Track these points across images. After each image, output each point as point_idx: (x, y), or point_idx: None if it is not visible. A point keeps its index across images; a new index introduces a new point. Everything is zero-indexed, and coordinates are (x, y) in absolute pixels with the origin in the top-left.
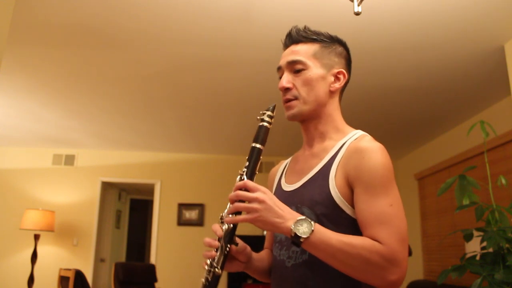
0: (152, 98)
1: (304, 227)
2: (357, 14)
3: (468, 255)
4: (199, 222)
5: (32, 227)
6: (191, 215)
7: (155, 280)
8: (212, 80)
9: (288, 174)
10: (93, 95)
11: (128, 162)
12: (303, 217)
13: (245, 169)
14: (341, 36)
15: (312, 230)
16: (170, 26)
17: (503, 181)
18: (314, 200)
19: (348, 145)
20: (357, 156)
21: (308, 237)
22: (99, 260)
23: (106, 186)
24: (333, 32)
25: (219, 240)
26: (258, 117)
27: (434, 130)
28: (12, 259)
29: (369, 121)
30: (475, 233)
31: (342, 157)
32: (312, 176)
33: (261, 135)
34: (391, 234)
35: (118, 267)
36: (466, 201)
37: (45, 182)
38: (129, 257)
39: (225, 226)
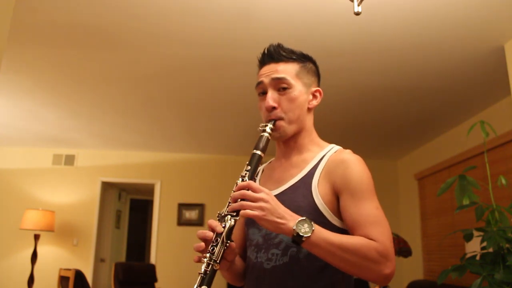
0: (152, 98)
1: (305, 227)
2: (357, 14)
3: (468, 255)
4: (199, 222)
5: (32, 227)
6: (191, 215)
7: (155, 280)
8: (212, 80)
9: (264, 181)
10: (93, 95)
11: (128, 162)
12: (304, 218)
13: (247, 172)
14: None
15: (313, 230)
16: (170, 27)
17: (503, 181)
18: (297, 206)
19: (328, 157)
20: (342, 167)
21: (309, 237)
22: (99, 260)
23: (106, 186)
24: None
25: (216, 235)
26: (260, 128)
27: (434, 130)
28: (12, 259)
29: (369, 121)
30: (475, 233)
31: (323, 168)
32: (294, 184)
33: (262, 144)
34: (382, 232)
35: (118, 267)
36: (466, 201)
37: (45, 182)
38: (129, 257)
39: (229, 222)
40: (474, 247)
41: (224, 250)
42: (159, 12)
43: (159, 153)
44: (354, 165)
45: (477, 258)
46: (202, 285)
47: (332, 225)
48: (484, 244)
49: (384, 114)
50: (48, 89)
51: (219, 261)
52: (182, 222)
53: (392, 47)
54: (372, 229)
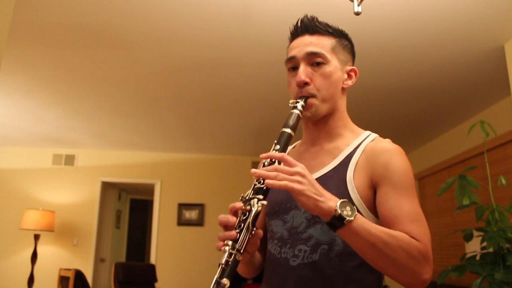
0: (152, 98)
1: (348, 210)
2: (357, 14)
3: (468, 255)
4: (199, 222)
5: (32, 227)
6: (191, 215)
7: (155, 280)
8: (212, 80)
9: None
10: (93, 95)
11: (128, 162)
12: (345, 199)
13: (275, 151)
14: None
15: (355, 215)
16: (170, 27)
17: (503, 181)
18: None
19: (365, 146)
20: (384, 157)
21: (351, 221)
22: (99, 260)
23: (106, 186)
24: None
25: (240, 221)
26: (290, 105)
27: (434, 130)
28: (12, 259)
29: (369, 121)
30: (475, 233)
31: (360, 157)
32: (325, 174)
33: (292, 121)
34: (423, 232)
35: (118, 267)
36: (466, 201)
37: (45, 182)
38: (129, 257)
39: (256, 206)
40: (474, 247)
41: (249, 238)
42: (159, 12)
43: (159, 153)
44: (398, 156)
45: (477, 258)
46: (223, 277)
47: None
48: (484, 244)
49: (384, 114)
50: (48, 89)
51: (243, 250)
52: (182, 222)
53: (391, 47)
54: (413, 227)
